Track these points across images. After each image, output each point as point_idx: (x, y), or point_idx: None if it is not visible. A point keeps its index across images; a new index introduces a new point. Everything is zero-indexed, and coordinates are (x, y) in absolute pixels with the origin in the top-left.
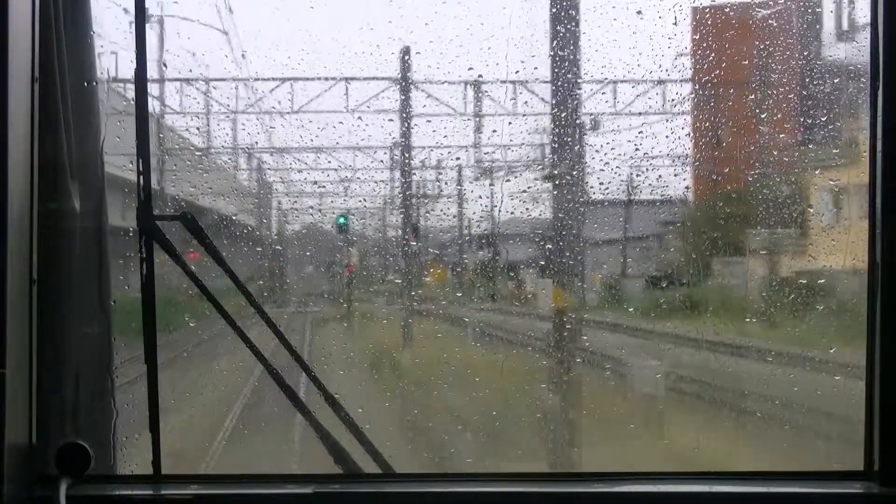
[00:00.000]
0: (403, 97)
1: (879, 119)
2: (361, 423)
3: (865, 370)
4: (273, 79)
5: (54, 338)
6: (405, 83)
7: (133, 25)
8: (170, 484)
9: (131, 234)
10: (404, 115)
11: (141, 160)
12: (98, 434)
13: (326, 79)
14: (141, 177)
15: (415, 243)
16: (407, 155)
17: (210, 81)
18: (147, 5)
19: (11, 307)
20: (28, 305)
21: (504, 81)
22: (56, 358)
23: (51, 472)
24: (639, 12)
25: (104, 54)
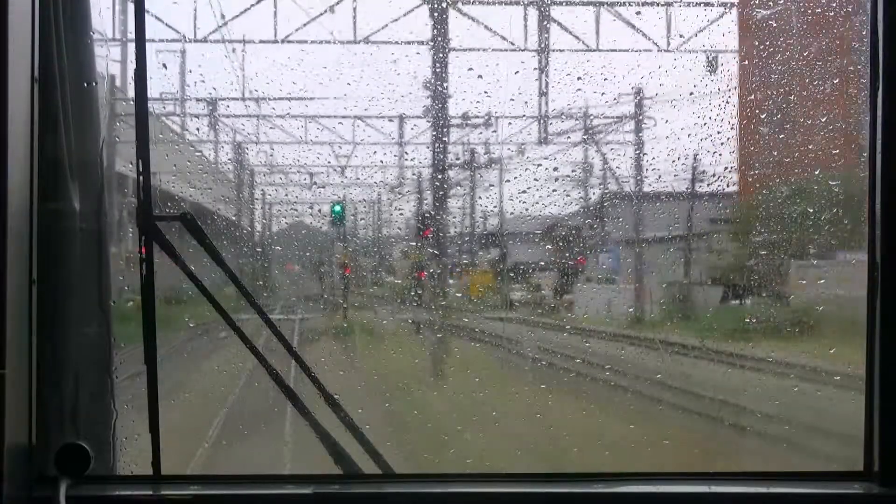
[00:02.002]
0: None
1: (879, 119)
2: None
3: (865, 371)
4: None
5: (54, 338)
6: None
7: (133, 25)
8: (169, 484)
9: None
10: (437, 48)
11: (141, 160)
12: (98, 434)
13: None
14: (141, 177)
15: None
16: (438, 108)
17: None
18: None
19: (11, 307)
20: (28, 305)
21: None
22: (56, 358)
23: (51, 473)
24: (638, 13)
25: (104, 54)
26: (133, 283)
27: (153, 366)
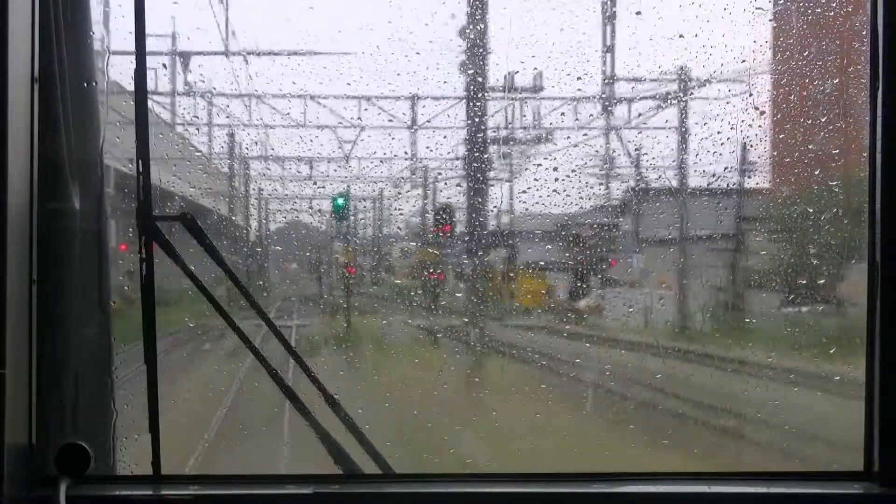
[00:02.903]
0: None
1: (879, 119)
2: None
3: (865, 371)
4: None
5: (54, 338)
6: None
7: (133, 25)
8: (169, 484)
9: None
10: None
11: (141, 160)
12: (98, 434)
13: None
14: (141, 177)
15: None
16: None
17: None
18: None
19: (11, 307)
20: (28, 305)
21: None
22: (56, 358)
23: (51, 473)
24: (637, 12)
25: (104, 54)
26: (131, 283)
27: (153, 366)
